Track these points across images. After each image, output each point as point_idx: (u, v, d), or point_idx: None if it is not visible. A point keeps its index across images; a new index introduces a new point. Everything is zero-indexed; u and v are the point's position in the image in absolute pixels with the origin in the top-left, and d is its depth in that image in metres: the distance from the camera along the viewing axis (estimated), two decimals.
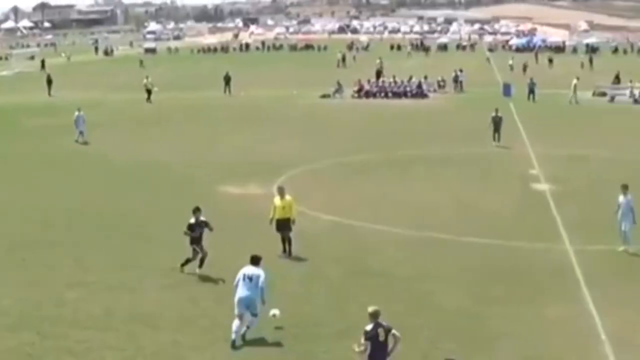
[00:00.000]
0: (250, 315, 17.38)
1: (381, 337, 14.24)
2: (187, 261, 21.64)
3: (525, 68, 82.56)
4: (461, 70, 71.04)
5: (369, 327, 14.32)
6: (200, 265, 21.44)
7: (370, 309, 14.44)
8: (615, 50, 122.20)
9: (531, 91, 60.30)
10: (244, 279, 17.43)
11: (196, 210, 21.33)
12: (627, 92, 62.28)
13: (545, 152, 38.70)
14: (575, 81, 60.26)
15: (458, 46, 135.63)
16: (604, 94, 63.30)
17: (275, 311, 17.72)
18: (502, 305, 19.63)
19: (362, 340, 14.24)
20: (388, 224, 26.64)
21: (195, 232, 21.10)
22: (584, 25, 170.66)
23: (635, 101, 60.54)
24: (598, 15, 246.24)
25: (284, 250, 23.24)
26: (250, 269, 17.56)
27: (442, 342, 17.33)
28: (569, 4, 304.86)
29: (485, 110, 43.47)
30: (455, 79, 69.45)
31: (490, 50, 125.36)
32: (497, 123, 41.14)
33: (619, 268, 22.48)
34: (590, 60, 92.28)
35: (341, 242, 24.92)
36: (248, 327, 17.42)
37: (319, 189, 31.77)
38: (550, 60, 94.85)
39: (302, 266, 22.61)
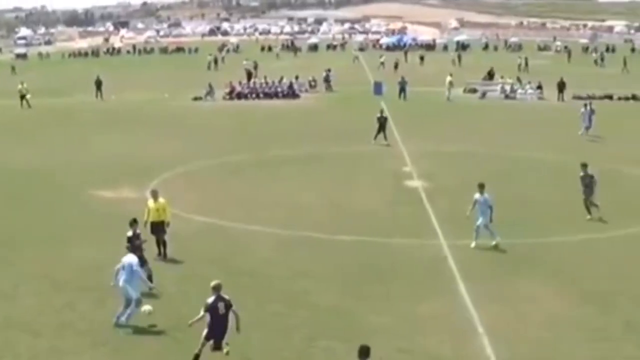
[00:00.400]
0: (131, 300, 17.93)
1: (221, 311, 15.14)
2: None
3: (396, 66, 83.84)
4: (330, 70, 71.49)
5: (210, 299, 15.22)
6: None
7: (213, 282, 15.39)
8: (486, 47, 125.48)
9: (402, 89, 61.17)
10: (122, 268, 18.14)
11: (133, 223, 20.68)
12: (498, 87, 63.91)
13: (417, 149, 39.35)
14: (449, 78, 61.46)
15: (328, 46, 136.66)
16: (474, 91, 64.87)
17: (147, 307, 17.87)
18: (378, 301, 19.73)
19: (202, 312, 15.22)
20: (262, 224, 26.54)
21: (134, 243, 20.19)
22: (454, 23, 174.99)
23: (507, 97, 62.20)
24: (468, 12, 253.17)
25: (159, 253, 23.00)
26: (126, 258, 18.28)
27: (319, 339, 17.39)
28: (440, 2, 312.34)
29: (356, 109, 43.93)
30: (326, 79, 69.89)
31: (361, 49, 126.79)
32: (382, 123, 41.57)
33: (493, 262, 22.97)
34: (459, 57, 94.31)
35: (216, 243, 24.75)
36: (129, 314, 17.99)
37: (192, 191, 31.47)
38: (422, 58, 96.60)
39: (178, 268, 22.47)
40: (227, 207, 29.14)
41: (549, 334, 17.92)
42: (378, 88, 64.78)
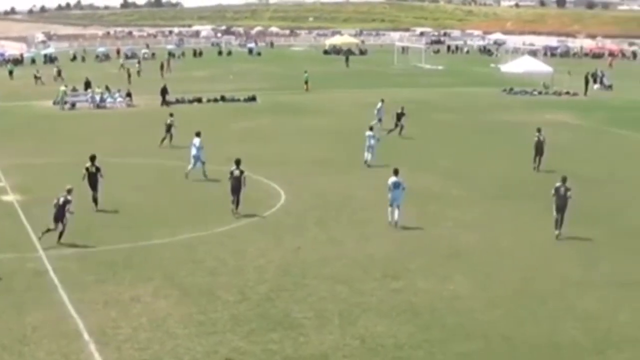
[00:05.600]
0: None
1: None
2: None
3: None
4: None
5: None
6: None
7: None
8: (74, 58, 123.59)
9: None
10: None
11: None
12: (88, 97, 63.26)
13: (9, 164, 38.23)
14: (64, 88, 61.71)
15: None
16: (65, 103, 63.43)
17: None
18: None
19: None
20: None
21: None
22: (41, 37, 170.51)
23: (97, 106, 62.10)
24: (55, 25, 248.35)
25: None
26: None
27: None
28: (27, 17, 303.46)
29: None
30: None
31: None
32: None
33: (94, 268, 23.72)
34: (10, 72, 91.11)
35: None
36: None
37: None
38: (10, 73, 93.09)
39: None
40: None
41: (156, 334, 19.09)
42: None
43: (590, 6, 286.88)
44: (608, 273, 24.19)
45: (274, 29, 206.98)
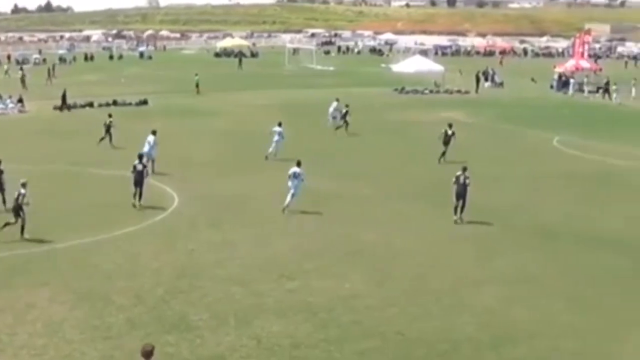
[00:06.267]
0: None
1: None
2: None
3: None
4: None
5: None
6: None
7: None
8: None
9: None
10: None
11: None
12: None
13: None
14: None
15: None
16: None
17: None
18: None
19: None
20: None
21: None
22: None
23: None
24: None
25: None
26: None
27: None
28: None
29: None
30: None
31: None
32: None
33: None
34: None
35: None
36: None
37: None
38: None
39: None
40: None
41: (52, 339, 18.74)
42: None
43: (481, 5, 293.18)
44: (503, 269, 24.69)
45: (164, 33, 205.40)
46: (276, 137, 40.85)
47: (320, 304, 21.28)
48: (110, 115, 45.53)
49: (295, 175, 30.11)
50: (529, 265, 25.11)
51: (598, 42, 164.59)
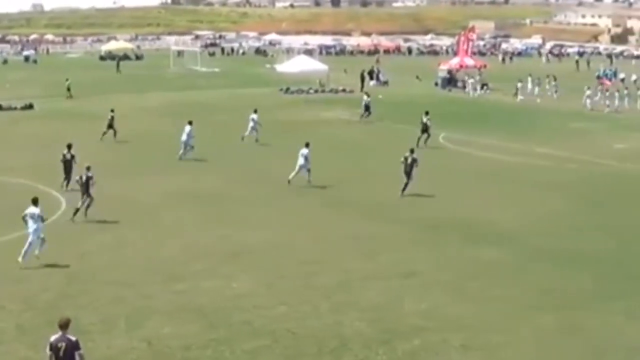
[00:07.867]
0: None
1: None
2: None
3: None
4: None
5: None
6: None
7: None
8: None
9: None
10: None
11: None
12: None
13: None
14: None
15: None
16: None
17: None
18: None
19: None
20: None
21: None
22: None
23: None
24: None
25: None
26: None
27: None
28: None
29: None
30: None
31: None
32: None
33: None
34: None
35: None
36: None
37: None
38: None
39: None
40: None
41: None
42: None
43: (365, 4, 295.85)
44: (390, 264, 25.24)
45: (49, 37, 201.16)
46: (251, 124, 46.02)
47: (208, 304, 21.45)
48: (112, 111, 47.65)
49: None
50: (416, 260, 25.71)
51: (482, 39, 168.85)
